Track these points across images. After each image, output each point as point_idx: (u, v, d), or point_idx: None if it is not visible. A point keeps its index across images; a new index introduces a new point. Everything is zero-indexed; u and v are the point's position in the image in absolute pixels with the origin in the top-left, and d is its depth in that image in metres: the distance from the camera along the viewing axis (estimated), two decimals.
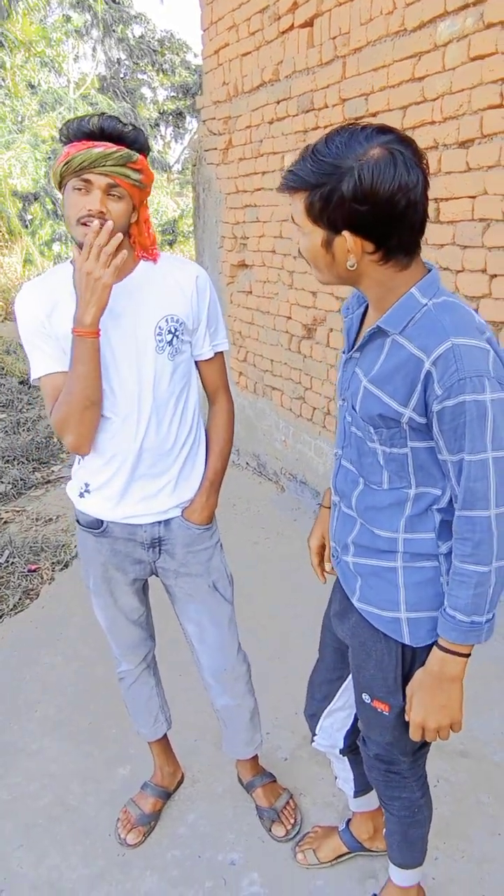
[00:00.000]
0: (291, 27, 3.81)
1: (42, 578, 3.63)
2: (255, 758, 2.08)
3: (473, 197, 2.70)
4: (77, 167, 1.43)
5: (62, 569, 3.72)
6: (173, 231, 14.77)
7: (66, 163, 1.44)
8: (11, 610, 3.32)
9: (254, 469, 4.84)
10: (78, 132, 1.45)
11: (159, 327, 1.58)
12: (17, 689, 2.68)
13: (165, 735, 2.08)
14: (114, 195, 1.47)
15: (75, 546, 3.92)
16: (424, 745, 1.44)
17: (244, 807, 2.09)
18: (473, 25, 2.57)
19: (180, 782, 2.16)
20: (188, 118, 17.89)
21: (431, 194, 2.92)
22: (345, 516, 1.35)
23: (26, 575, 3.65)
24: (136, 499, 1.65)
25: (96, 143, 1.44)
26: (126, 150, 1.47)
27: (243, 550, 3.66)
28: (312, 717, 1.69)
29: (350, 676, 1.50)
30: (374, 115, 3.20)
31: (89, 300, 1.44)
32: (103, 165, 1.43)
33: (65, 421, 1.52)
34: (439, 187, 2.84)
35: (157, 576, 1.80)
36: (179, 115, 17.40)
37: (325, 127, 3.58)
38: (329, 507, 1.52)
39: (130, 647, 1.88)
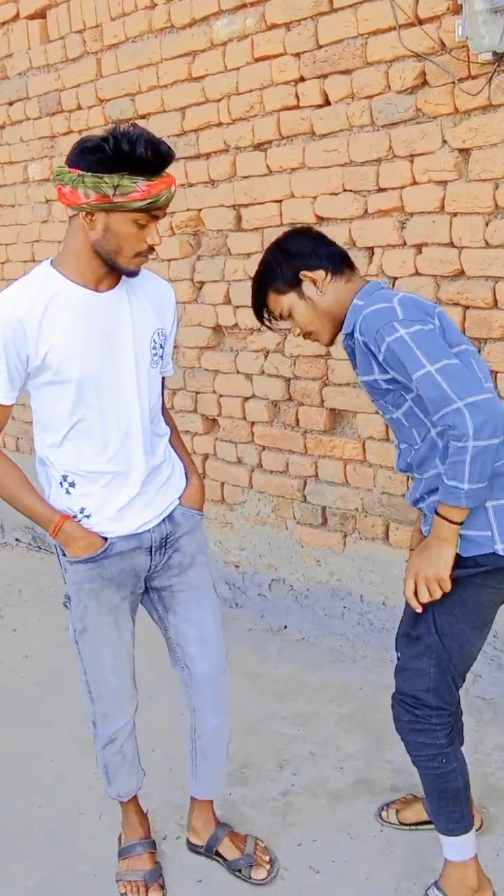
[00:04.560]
0: (16, 17, 3.93)
1: None
2: (212, 805, 2.24)
3: (279, 201, 3.05)
4: (157, 207, 1.66)
5: None
6: None
7: (150, 203, 1.63)
8: None
9: (27, 545, 4.70)
10: (148, 161, 1.61)
11: (153, 340, 1.87)
12: None
13: None
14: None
15: None
16: (450, 695, 1.83)
17: None
18: (255, 26, 2.95)
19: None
20: None
21: (230, 200, 3.21)
22: (417, 481, 1.88)
23: None
24: (140, 506, 1.89)
25: (165, 175, 1.65)
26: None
27: (55, 639, 3.56)
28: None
29: None
30: (144, 116, 3.45)
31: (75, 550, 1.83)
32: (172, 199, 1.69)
33: None
34: (239, 192, 3.16)
35: (151, 588, 2.00)
36: None
37: (80, 131, 3.75)
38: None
39: (129, 693, 2.03)
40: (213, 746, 2.12)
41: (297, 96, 2.90)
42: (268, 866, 2.13)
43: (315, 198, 2.92)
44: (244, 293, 3.25)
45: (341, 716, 2.76)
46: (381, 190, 2.72)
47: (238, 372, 3.40)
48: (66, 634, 3.57)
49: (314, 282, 1.83)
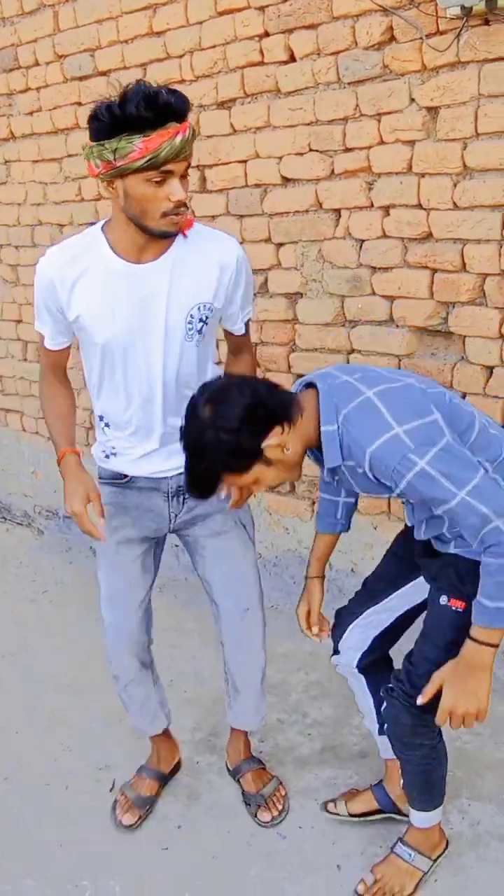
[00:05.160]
0: None
1: None
2: (249, 742, 2.36)
3: (244, 161, 2.99)
4: (162, 162, 1.60)
5: None
6: None
7: (150, 159, 1.59)
8: None
9: None
10: (142, 116, 1.56)
11: (191, 315, 1.83)
12: None
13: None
14: (185, 175, 1.68)
15: None
16: None
17: None
18: None
19: (177, 766, 2.40)
20: None
21: (193, 161, 3.14)
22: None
23: None
24: (161, 458, 1.95)
25: (168, 127, 1.59)
26: (191, 126, 1.66)
27: (21, 611, 3.54)
28: (339, 630, 2.05)
29: (394, 594, 1.95)
30: (104, 73, 3.35)
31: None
32: (183, 151, 1.63)
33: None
34: (203, 152, 3.08)
35: (179, 536, 2.11)
36: None
37: (38, 88, 3.65)
38: (316, 578, 2.08)
39: (127, 632, 2.11)
40: (242, 681, 2.22)
41: (261, 52, 2.82)
42: (275, 812, 2.21)
43: (280, 158, 2.86)
44: None
45: (309, 683, 2.77)
46: (347, 150, 2.67)
47: None
48: (32, 606, 3.58)
49: (279, 445, 1.60)
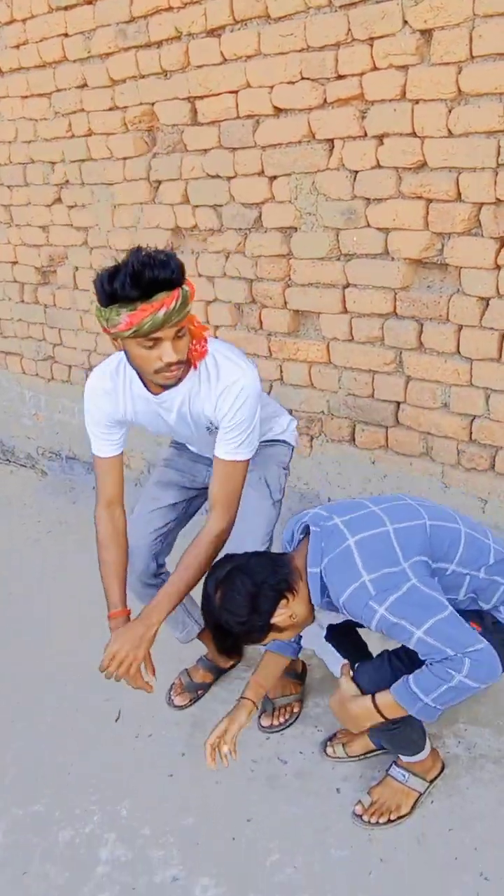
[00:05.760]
0: None
1: None
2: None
3: (235, 92, 2.90)
4: (147, 332, 1.75)
5: None
6: None
7: (135, 331, 1.74)
8: None
9: None
10: (127, 295, 1.71)
11: (206, 427, 2.09)
12: None
13: None
14: (179, 336, 1.82)
15: None
16: None
17: None
18: None
19: (235, 663, 2.58)
20: None
21: (184, 92, 3.06)
22: None
23: None
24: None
25: (153, 302, 1.72)
26: (183, 291, 1.78)
27: (25, 551, 3.59)
28: None
29: None
30: (90, 1, 3.23)
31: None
32: (168, 321, 1.75)
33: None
34: (193, 83, 3.00)
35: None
36: None
37: (24, 20, 3.53)
38: (251, 701, 2.04)
39: (137, 550, 2.25)
40: None
41: None
42: (275, 721, 2.34)
43: (272, 87, 2.77)
44: (202, 191, 3.15)
45: None
46: (340, 77, 2.58)
47: (199, 275, 3.30)
48: (37, 546, 3.62)
49: (287, 616, 1.78)
